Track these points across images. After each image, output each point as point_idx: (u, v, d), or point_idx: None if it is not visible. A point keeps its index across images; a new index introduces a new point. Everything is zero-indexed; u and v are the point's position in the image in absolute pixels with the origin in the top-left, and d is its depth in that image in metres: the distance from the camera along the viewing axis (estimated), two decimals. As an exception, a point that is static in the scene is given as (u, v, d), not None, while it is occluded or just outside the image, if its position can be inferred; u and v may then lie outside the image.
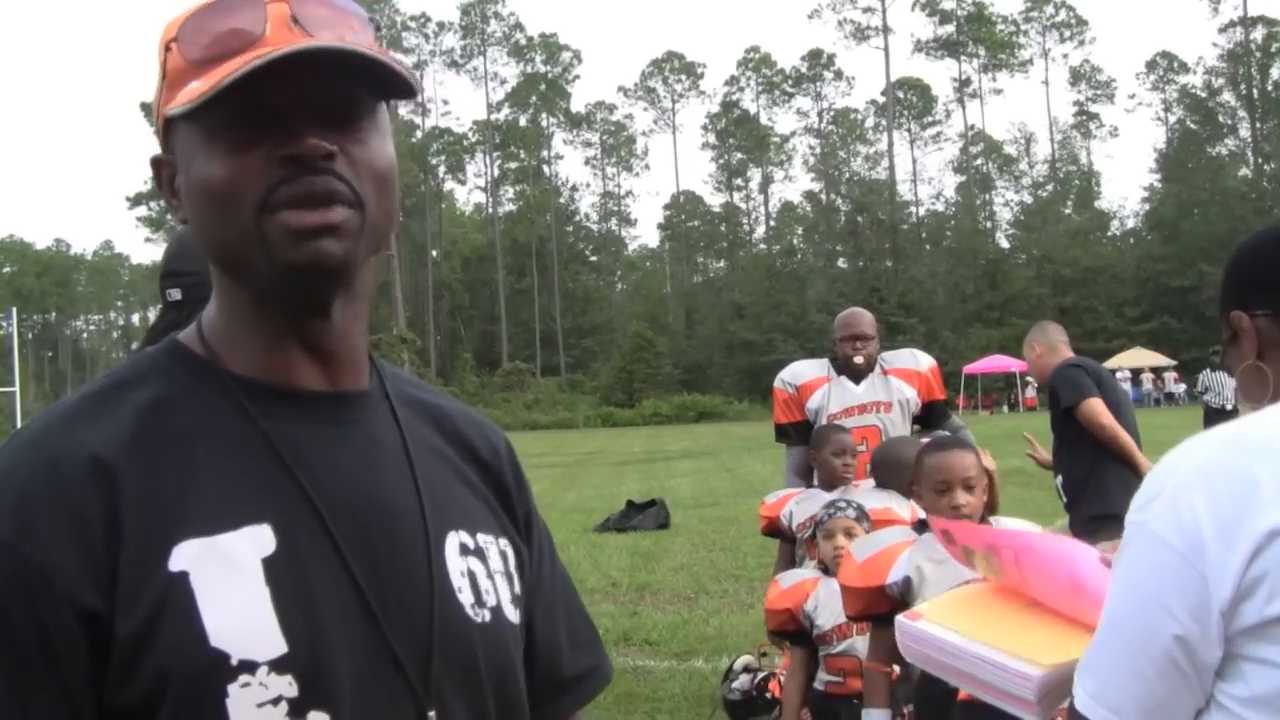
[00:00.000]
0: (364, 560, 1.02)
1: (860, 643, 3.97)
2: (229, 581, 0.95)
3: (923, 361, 5.64)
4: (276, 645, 0.94)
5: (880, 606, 3.29)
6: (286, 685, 0.94)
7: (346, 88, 1.01)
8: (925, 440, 4.06)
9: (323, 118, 1.00)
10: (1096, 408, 5.58)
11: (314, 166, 0.99)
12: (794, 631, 4.29)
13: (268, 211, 0.99)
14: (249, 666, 0.93)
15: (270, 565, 0.97)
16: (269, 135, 0.99)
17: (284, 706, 0.94)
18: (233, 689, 0.92)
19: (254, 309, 1.05)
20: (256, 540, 0.97)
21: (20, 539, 0.92)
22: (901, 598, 3.21)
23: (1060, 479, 5.96)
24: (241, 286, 1.05)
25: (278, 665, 0.94)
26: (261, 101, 0.97)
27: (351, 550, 1.01)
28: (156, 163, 1.08)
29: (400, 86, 1.03)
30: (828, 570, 4.19)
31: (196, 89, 0.97)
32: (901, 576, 3.31)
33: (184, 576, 0.93)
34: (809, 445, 5.10)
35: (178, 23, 1.03)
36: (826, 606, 4.08)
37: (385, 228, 1.06)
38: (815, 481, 5.09)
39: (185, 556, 0.94)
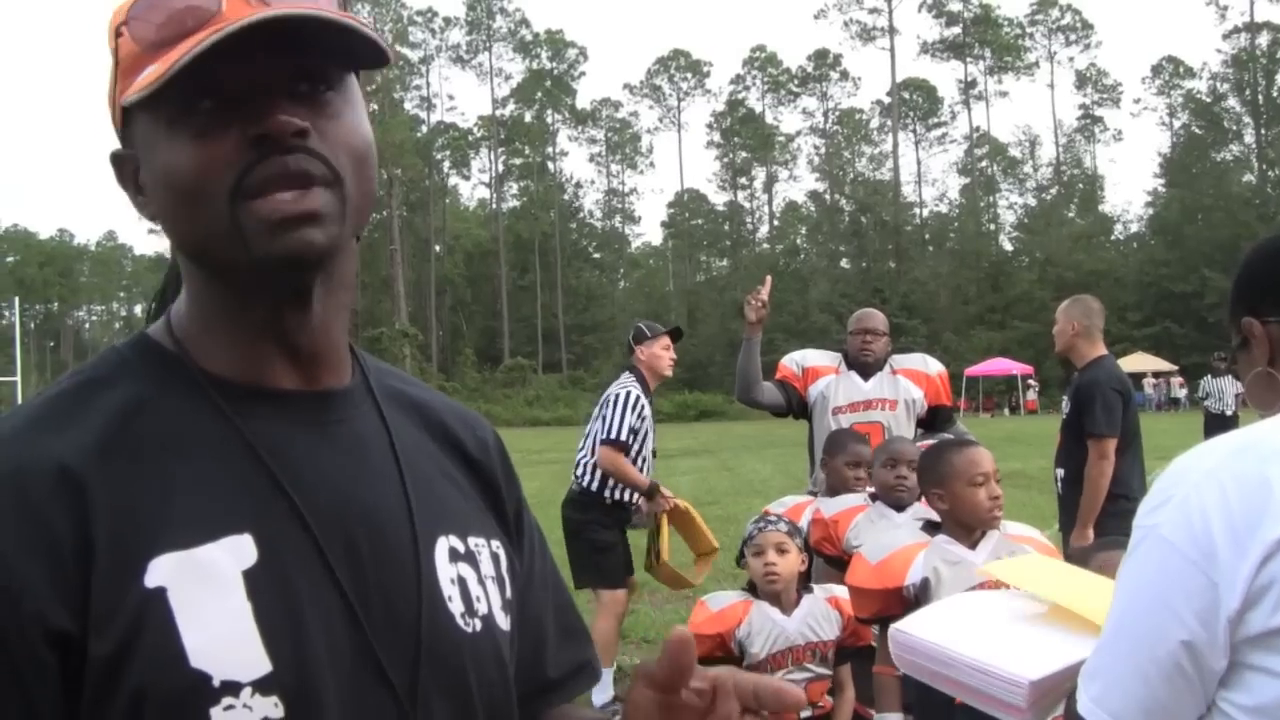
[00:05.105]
0: (350, 569, 0.95)
1: (796, 675, 3.76)
2: (209, 597, 0.88)
3: (932, 366, 5.69)
4: (260, 664, 0.88)
5: (895, 609, 3.23)
6: (272, 706, 0.88)
7: (312, 59, 0.94)
8: (931, 441, 4.03)
9: (290, 93, 0.93)
10: (1109, 450, 5.62)
11: (285, 145, 0.91)
12: (720, 659, 3.90)
13: (241, 199, 0.91)
14: (232, 688, 0.87)
15: (252, 578, 0.90)
16: (235, 117, 0.92)
17: None
18: (215, 712, 0.86)
19: (228, 303, 0.98)
20: (237, 551, 0.91)
21: None
22: (918, 600, 3.18)
23: (1061, 471, 5.95)
24: (216, 279, 0.98)
25: (262, 686, 0.88)
26: (222, 81, 0.91)
27: (336, 559, 0.95)
28: (117, 158, 1.01)
29: (368, 53, 0.96)
30: (755, 591, 3.93)
31: (152, 73, 0.90)
32: (920, 578, 3.30)
33: (161, 593, 0.87)
34: (824, 448, 5.02)
35: (126, 4, 0.95)
36: (761, 633, 3.84)
37: (366, 207, 0.99)
38: (814, 486, 5.07)
39: (162, 571, 0.87)
